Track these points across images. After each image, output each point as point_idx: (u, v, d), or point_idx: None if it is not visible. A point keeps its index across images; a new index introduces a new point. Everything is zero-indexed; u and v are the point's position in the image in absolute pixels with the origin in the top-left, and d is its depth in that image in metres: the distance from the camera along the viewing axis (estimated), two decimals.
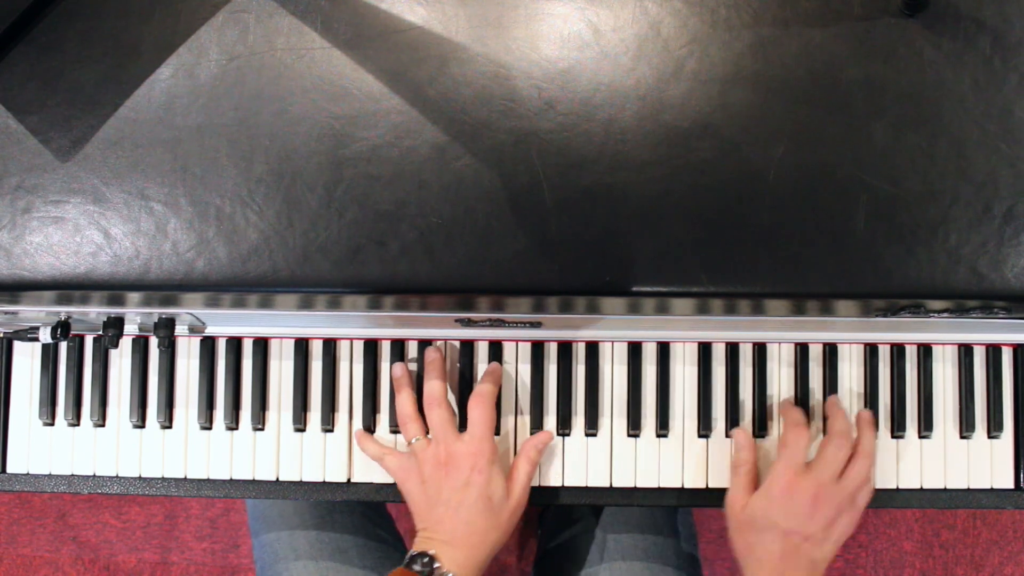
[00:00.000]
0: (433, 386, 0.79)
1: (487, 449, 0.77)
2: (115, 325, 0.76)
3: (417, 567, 0.74)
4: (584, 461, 0.83)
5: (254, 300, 0.69)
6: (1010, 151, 0.63)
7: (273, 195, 0.64)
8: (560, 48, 0.65)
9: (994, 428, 0.83)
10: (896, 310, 0.68)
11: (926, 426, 0.82)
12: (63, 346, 0.85)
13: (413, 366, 0.84)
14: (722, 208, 0.63)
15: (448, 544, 0.75)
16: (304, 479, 0.84)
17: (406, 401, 0.80)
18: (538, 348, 0.84)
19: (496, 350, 0.83)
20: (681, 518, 0.94)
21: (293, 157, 0.65)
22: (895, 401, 0.83)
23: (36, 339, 0.74)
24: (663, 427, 0.82)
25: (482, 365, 0.83)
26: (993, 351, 0.83)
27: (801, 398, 0.83)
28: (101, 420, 0.84)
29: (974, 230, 0.63)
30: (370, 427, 0.83)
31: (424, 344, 0.83)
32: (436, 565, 0.73)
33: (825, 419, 0.81)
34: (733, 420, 0.82)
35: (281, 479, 0.84)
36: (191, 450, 0.84)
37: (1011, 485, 0.83)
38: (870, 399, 0.82)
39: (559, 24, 0.65)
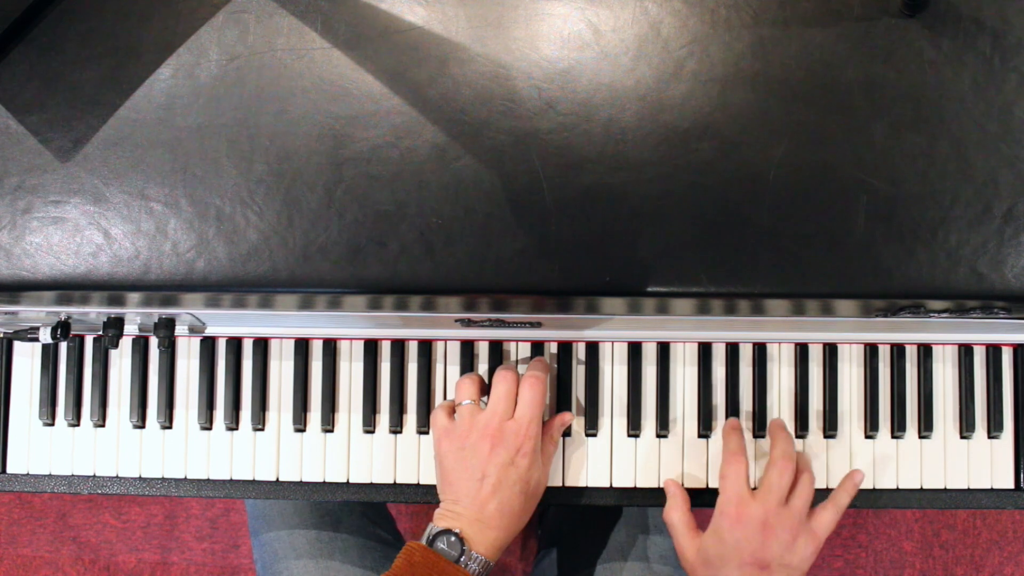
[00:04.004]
0: (510, 368, 0.77)
1: (534, 433, 0.74)
2: (115, 325, 0.76)
3: (442, 545, 0.70)
4: (584, 461, 0.83)
5: (254, 300, 0.69)
6: (1010, 151, 0.63)
7: (273, 195, 0.64)
8: (560, 48, 0.65)
9: (994, 428, 0.83)
10: (896, 310, 0.68)
11: (926, 426, 0.82)
12: (63, 346, 0.85)
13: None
14: (722, 208, 0.63)
15: (477, 522, 0.71)
16: (304, 479, 0.84)
17: (476, 375, 0.78)
18: (538, 348, 0.84)
19: (496, 350, 0.83)
20: None
21: (293, 157, 0.65)
22: (895, 401, 0.83)
23: (36, 339, 0.74)
24: (663, 427, 0.83)
25: (482, 365, 0.83)
26: (993, 351, 0.83)
27: (801, 398, 0.83)
28: (101, 420, 0.84)
29: (974, 230, 0.63)
30: (370, 427, 0.83)
31: (424, 344, 0.83)
32: (465, 547, 0.70)
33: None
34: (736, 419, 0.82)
35: (281, 479, 0.84)
36: (191, 450, 0.84)
37: (1011, 485, 0.83)
38: (870, 399, 0.82)
39: (559, 24, 0.65)
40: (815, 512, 0.76)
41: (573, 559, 0.92)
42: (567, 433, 0.83)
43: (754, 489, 0.76)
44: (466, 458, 0.74)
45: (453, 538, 0.71)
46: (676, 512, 0.78)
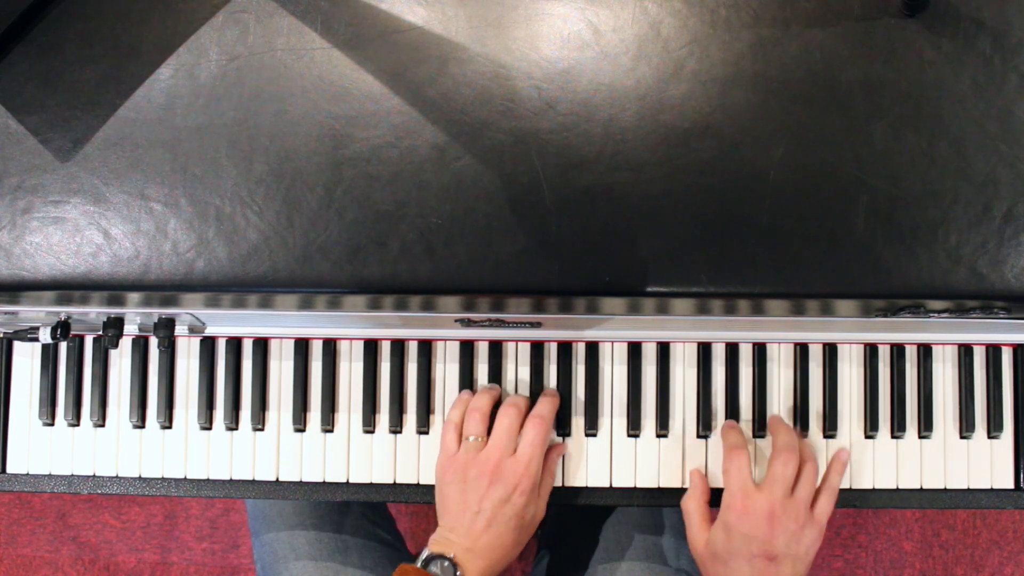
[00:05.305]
0: (519, 399, 0.79)
1: (534, 471, 0.76)
2: (115, 325, 0.76)
3: (435, 569, 0.73)
4: (584, 461, 0.83)
5: (254, 300, 0.69)
6: (1010, 151, 0.63)
7: (273, 195, 0.64)
8: (560, 48, 0.65)
9: (994, 428, 0.83)
10: (896, 310, 0.68)
11: (926, 426, 0.82)
12: (63, 346, 0.85)
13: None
14: (722, 208, 0.63)
15: (471, 551, 0.74)
16: (304, 479, 0.84)
17: (486, 399, 0.79)
18: (538, 348, 0.84)
19: (496, 350, 0.83)
20: (681, 518, 0.94)
21: (293, 157, 0.65)
22: (895, 401, 0.83)
23: (36, 339, 0.74)
24: (663, 427, 0.82)
25: (482, 365, 0.83)
26: (993, 351, 0.83)
27: (801, 399, 0.83)
28: (101, 420, 0.84)
29: (974, 230, 0.63)
30: (370, 427, 0.83)
31: (424, 344, 0.83)
32: (458, 573, 0.73)
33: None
34: (733, 420, 0.82)
35: (281, 479, 0.84)
36: (191, 450, 0.84)
37: (1011, 485, 0.83)
38: (870, 399, 0.82)
39: (559, 24, 0.65)
40: (813, 500, 0.76)
41: (573, 559, 0.92)
42: (567, 433, 0.83)
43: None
44: (465, 491, 0.76)
45: (446, 563, 0.73)
46: (693, 501, 0.79)
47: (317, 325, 0.83)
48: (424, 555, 0.74)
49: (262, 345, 0.84)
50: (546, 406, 0.79)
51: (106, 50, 0.66)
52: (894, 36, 0.64)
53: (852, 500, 0.82)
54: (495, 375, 0.83)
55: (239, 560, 1.52)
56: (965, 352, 0.83)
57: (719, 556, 0.74)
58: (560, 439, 0.83)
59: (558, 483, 0.83)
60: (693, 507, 0.79)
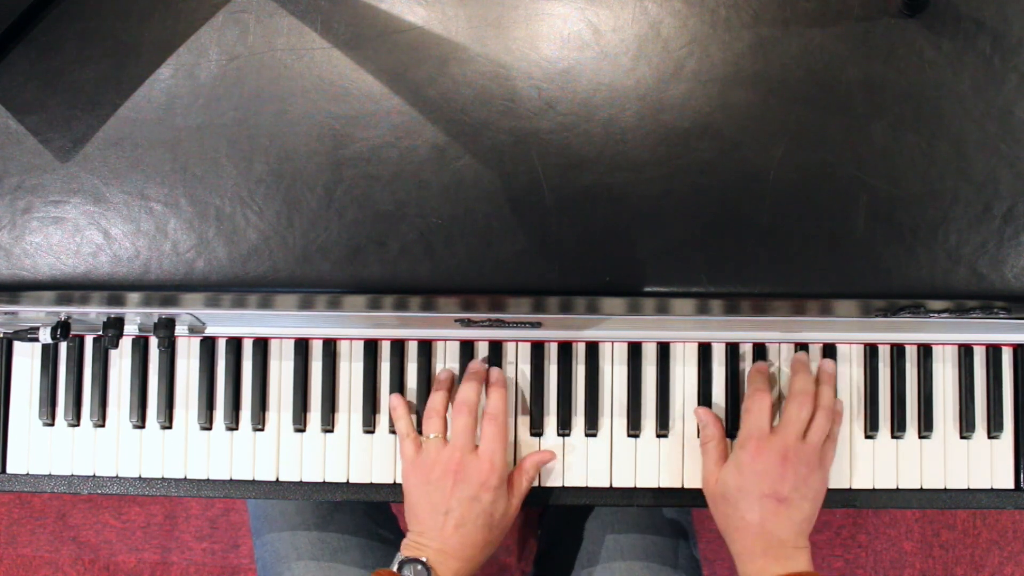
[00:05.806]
0: (468, 392, 0.79)
1: (499, 466, 0.77)
2: (115, 325, 0.76)
3: (409, 573, 0.73)
4: (584, 461, 0.83)
5: (254, 300, 0.69)
6: (1010, 151, 0.63)
7: (273, 195, 0.64)
8: (560, 48, 0.65)
9: (994, 428, 0.83)
10: (896, 310, 0.68)
11: (926, 426, 0.82)
12: (63, 346, 0.85)
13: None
14: (722, 208, 0.63)
15: (442, 553, 0.74)
16: (304, 479, 0.84)
17: (439, 399, 0.80)
18: (538, 348, 0.84)
19: (496, 350, 0.83)
20: (681, 518, 0.94)
21: (293, 157, 0.65)
22: (895, 401, 0.83)
23: (36, 339, 0.74)
24: (663, 427, 0.82)
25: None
26: (993, 351, 0.83)
27: None
28: (101, 420, 0.84)
29: (974, 230, 0.63)
30: (370, 427, 0.83)
31: (424, 344, 0.83)
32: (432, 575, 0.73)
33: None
34: (734, 420, 0.82)
35: (281, 479, 0.84)
36: (191, 450, 0.84)
37: (1011, 485, 0.83)
38: (870, 399, 0.82)
39: (559, 24, 0.65)
40: None
41: (573, 559, 0.92)
42: (567, 433, 0.83)
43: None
44: (430, 493, 0.76)
45: (420, 566, 0.73)
46: (711, 441, 0.79)
47: (317, 325, 0.83)
48: (397, 560, 0.74)
49: (262, 345, 0.84)
50: (496, 402, 0.79)
51: (106, 50, 0.66)
52: (894, 36, 0.64)
53: (852, 500, 0.82)
54: None
55: (239, 560, 1.52)
56: (965, 352, 0.83)
57: (728, 495, 0.75)
58: (537, 441, 0.83)
59: (556, 483, 0.83)
60: (713, 444, 0.79)
